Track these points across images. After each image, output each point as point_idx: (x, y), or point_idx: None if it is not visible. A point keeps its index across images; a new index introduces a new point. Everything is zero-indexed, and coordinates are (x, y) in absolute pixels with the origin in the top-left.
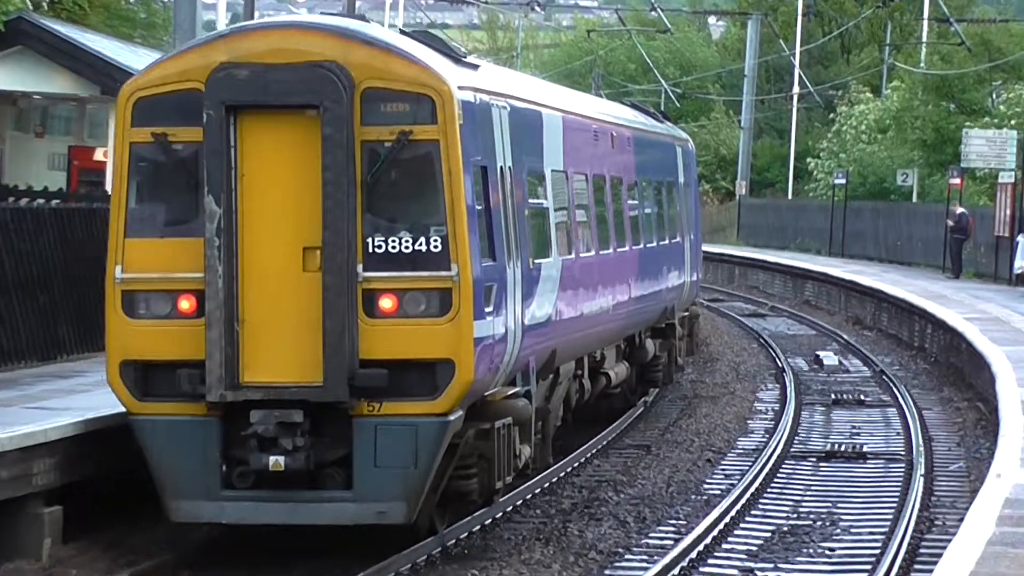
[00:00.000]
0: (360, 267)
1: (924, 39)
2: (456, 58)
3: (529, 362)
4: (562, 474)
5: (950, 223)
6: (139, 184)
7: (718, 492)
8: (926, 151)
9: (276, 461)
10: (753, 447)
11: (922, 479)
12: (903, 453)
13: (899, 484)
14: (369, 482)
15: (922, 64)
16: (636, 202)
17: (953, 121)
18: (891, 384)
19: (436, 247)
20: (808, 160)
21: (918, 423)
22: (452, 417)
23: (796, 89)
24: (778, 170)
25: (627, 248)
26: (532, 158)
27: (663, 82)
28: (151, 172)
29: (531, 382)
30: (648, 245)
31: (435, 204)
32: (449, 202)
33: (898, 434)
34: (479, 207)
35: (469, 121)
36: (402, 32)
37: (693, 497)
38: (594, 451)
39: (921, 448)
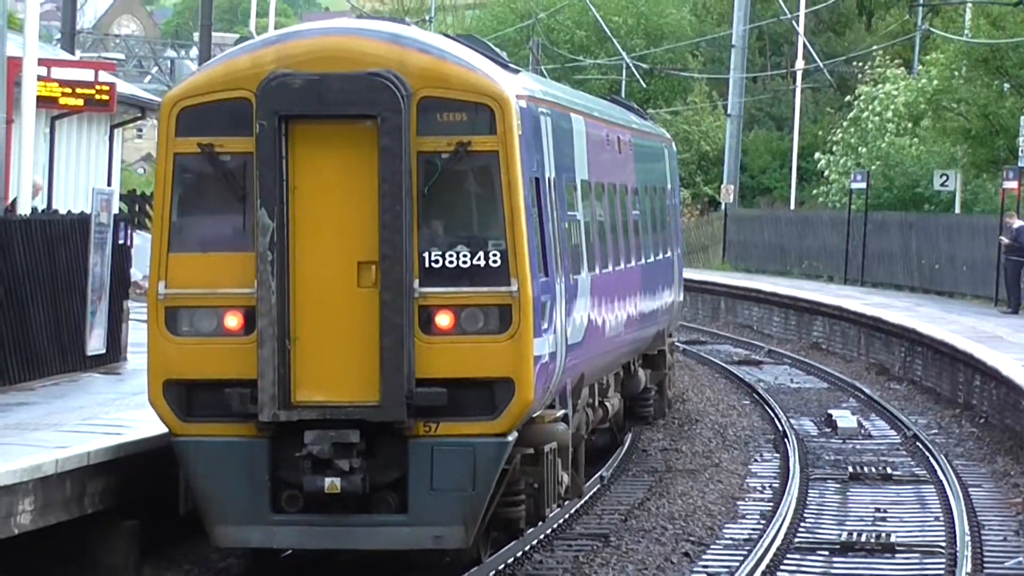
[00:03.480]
0: (416, 282)
1: None
2: (503, 63)
3: (567, 384)
4: (491, 573)
5: (1005, 240)
6: (183, 197)
7: None
8: (972, 145)
9: (332, 483)
10: (744, 537)
11: None
12: (943, 545)
13: None
14: (425, 505)
15: (966, 31)
16: (638, 212)
17: (1008, 105)
18: (927, 453)
19: (495, 262)
20: (817, 157)
21: (963, 504)
22: (510, 438)
23: (800, 63)
24: (777, 171)
25: (633, 264)
26: (568, 168)
27: (624, 55)
28: (196, 184)
29: (568, 405)
30: (648, 260)
31: (494, 217)
32: (508, 215)
33: (937, 519)
34: (535, 220)
35: (525, 131)
36: (446, 36)
37: None
38: (535, 541)
39: (967, 538)
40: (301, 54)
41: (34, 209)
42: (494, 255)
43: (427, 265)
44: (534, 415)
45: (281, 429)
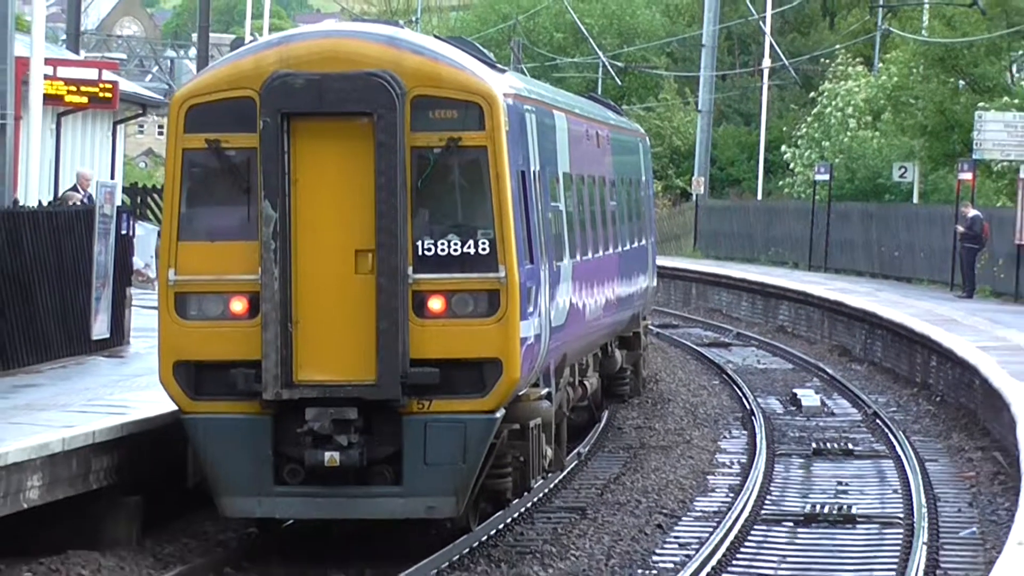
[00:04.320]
0: (410, 269)
1: None
2: (491, 64)
3: (550, 364)
4: (476, 543)
5: (960, 229)
6: (191, 189)
7: (671, 566)
8: (929, 139)
9: (331, 457)
10: (714, 509)
11: (925, 548)
12: (901, 516)
13: (896, 554)
14: (419, 478)
15: (923, 31)
16: (615, 203)
17: (962, 102)
18: (886, 429)
19: (484, 250)
20: (783, 150)
21: (920, 478)
22: (498, 415)
23: (767, 62)
24: (745, 164)
25: (611, 251)
26: (551, 161)
27: (600, 54)
28: (203, 177)
29: (551, 384)
30: (624, 248)
31: (483, 208)
32: (496, 206)
33: (895, 492)
34: (521, 211)
35: (512, 127)
36: (437, 38)
37: (639, 572)
38: (516, 514)
39: (924, 509)
40: (302, 55)
41: (90, 197)
42: (483, 243)
43: (420, 253)
44: (520, 393)
45: (283, 407)
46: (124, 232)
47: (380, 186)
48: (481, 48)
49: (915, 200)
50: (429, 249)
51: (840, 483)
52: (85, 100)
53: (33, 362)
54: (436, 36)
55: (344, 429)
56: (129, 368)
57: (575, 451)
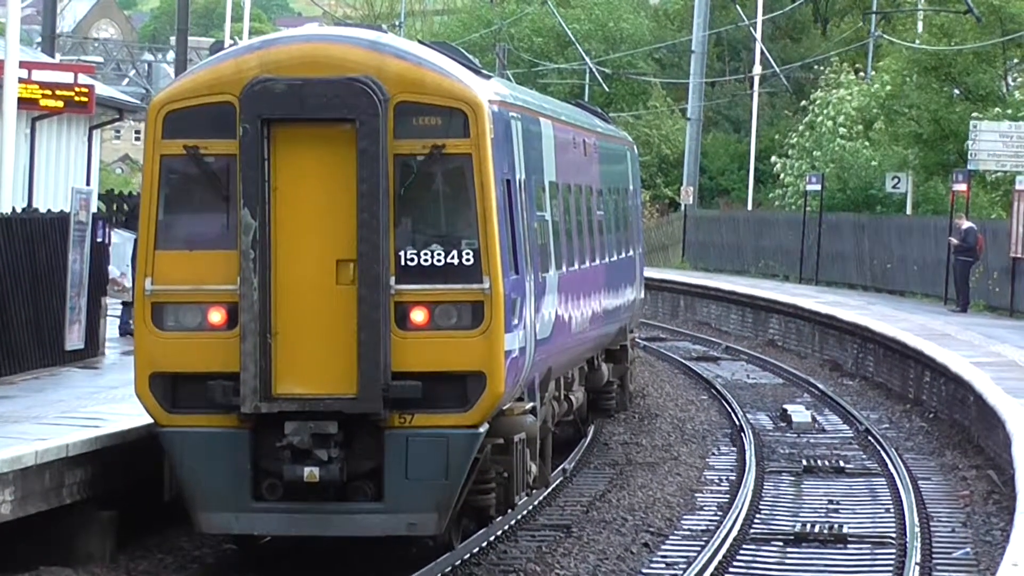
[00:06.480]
0: (393, 280)
1: (919, 5)
2: (476, 70)
3: (535, 378)
4: (458, 562)
5: (954, 241)
6: (169, 196)
7: None
8: (923, 149)
9: (311, 472)
10: (702, 528)
11: (918, 568)
12: (894, 535)
13: (889, 575)
14: (400, 494)
15: (917, 39)
16: (603, 213)
17: (957, 111)
18: (878, 447)
19: (468, 260)
20: (773, 160)
21: (913, 497)
22: (482, 429)
23: (757, 69)
24: (735, 173)
25: (598, 262)
26: (537, 170)
27: (587, 60)
28: (182, 184)
29: (536, 398)
30: (611, 259)
31: (467, 217)
32: (481, 216)
33: (887, 511)
34: (506, 220)
35: (497, 134)
36: (421, 43)
37: None
38: (499, 532)
39: (916, 529)
40: (283, 60)
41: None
42: (467, 254)
43: (403, 263)
44: (504, 407)
45: (262, 420)
46: (99, 240)
47: (362, 194)
48: (466, 53)
49: (908, 211)
50: (412, 259)
51: (831, 501)
52: (60, 104)
53: (5, 373)
54: (420, 41)
55: (324, 444)
56: (104, 380)
57: (560, 467)
